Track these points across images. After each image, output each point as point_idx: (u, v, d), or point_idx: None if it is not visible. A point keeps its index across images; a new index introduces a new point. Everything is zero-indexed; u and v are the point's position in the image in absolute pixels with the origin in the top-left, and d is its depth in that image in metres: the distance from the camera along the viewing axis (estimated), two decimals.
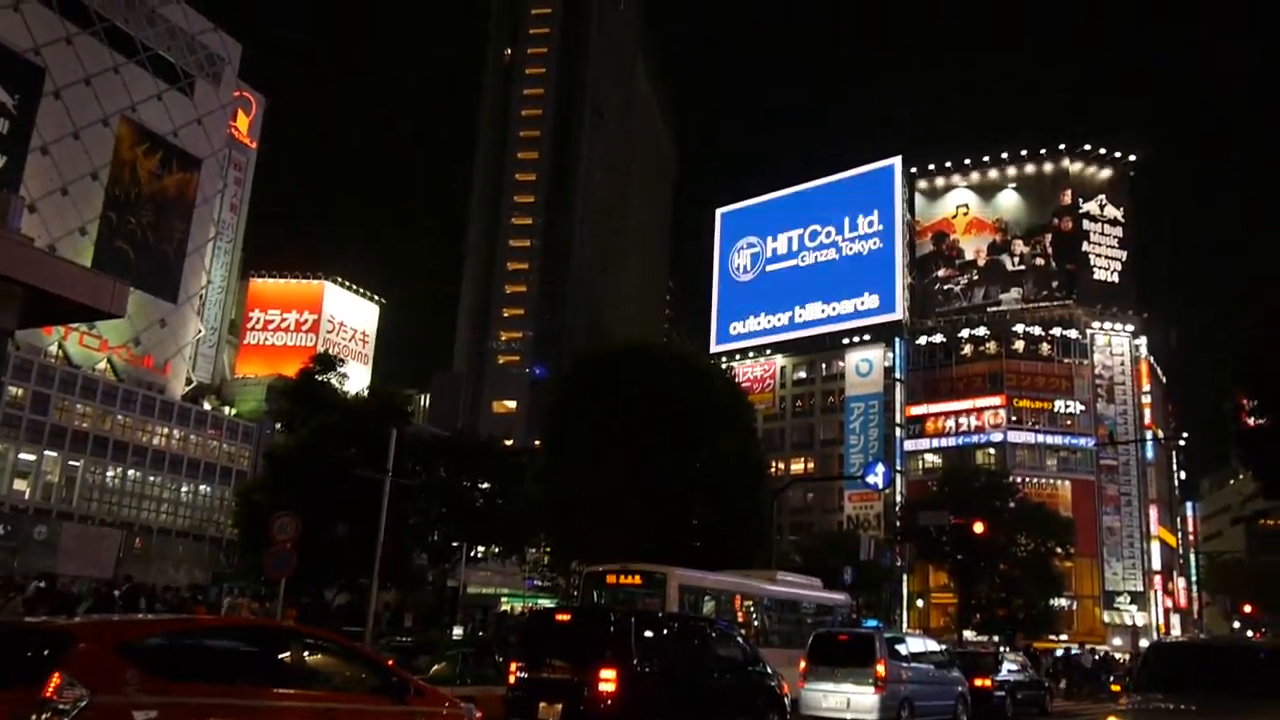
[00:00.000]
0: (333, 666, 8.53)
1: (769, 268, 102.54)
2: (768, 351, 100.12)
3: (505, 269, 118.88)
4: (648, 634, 12.99)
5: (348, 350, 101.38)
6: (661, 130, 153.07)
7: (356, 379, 61.91)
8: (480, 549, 46.80)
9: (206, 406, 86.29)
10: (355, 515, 29.36)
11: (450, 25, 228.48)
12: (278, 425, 40.56)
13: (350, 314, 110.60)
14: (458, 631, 33.95)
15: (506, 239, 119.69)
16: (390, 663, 10.97)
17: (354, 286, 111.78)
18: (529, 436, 68.69)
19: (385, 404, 37.02)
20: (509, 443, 58.00)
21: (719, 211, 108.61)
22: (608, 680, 11.85)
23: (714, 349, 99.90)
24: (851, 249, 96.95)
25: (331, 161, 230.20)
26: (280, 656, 7.98)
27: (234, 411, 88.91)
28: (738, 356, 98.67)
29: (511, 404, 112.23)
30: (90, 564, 36.97)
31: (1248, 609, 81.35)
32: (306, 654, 8.28)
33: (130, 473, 76.34)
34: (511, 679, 12.89)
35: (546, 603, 48.85)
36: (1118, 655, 57.47)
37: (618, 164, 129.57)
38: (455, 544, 42.31)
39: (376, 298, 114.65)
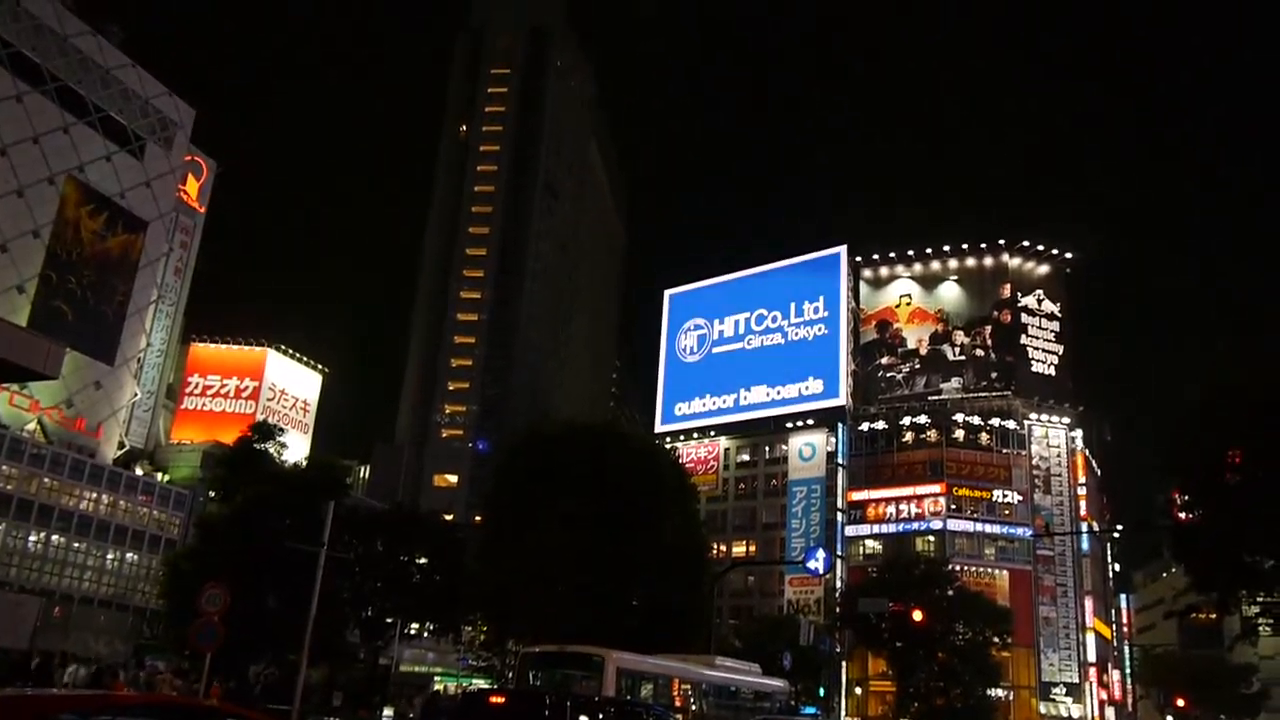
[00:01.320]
0: None
1: (715, 350, 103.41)
2: (712, 433, 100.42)
3: (452, 341, 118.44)
4: (583, 718, 12.73)
5: (288, 419, 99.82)
6: (612, 210, 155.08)
7: (296, 448, 60.87)
8: (415, 626, 45.80)
9: (139, 472, 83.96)
10: (287, 588, 28.65)
11: (409, 94, 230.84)
12: (211, 493, 39.62)
13: (292, 382, 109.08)
14: (388, 712, 33.05)
15: (454, 312, 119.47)
16: None
17: (297, 354, 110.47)
18: (470, 511, 67.90)
19: (324, 475, 36.42)
20: (449, 517, 57.24)
21: (667, 293, 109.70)
22: None
23: (659, 429, 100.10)
24: (797, 334, 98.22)
25: (281, 228, 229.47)
26: None
27: (167, 478, 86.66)
28: (682, 437, 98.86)
29: (453, 478, 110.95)
30: (6, 632, 35.53)
31: (1180, 703, 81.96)
32: None
33: (54, 538, 73.67)
34: None
35: (481, 683, 47.73)
36: None
37: (568, 242, 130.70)
38: (390, 620, 41.35)
39: (320, 366, 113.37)
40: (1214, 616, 47.96)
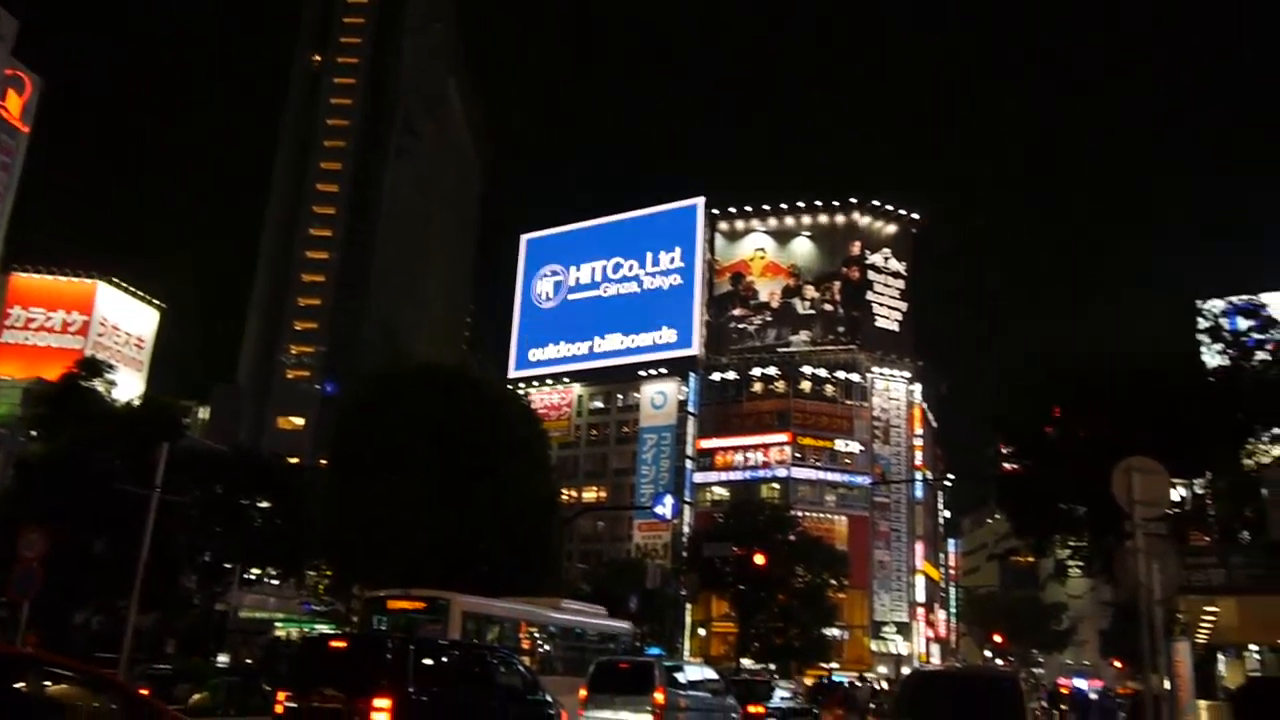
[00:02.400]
0: (75, 698, 7.86)
1: (571, 296, 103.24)
2: (566, 380, 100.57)
3: (300, 280, 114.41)
4: (426, 661, 12.65)
5: (120, 356, 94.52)
6: (471, 154, 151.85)
7: (129, 387, 57.79)
8: (256, 571, 44.57)
9: None
10: (117, 532, 27.38)
11: (262, 12, 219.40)
12: (32, 432, 37.36)
13: (125, 317, 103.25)
14: (223, 659, 32.13)
15: (303, 250, 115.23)
16: (144, 692, 10.23)
17: (131, 288, 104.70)
18: (315, 455, 66.12)
19: (157, 415, 34.83)
20: (294, 461, 55.67)
21: (524, 238, 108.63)
22: (381, 709, 11.45)
23: (512, 374, 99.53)
24: (653, 283, 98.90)
25: (117, 152, 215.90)
26: (15, 687, 7.29)
27: None
28: (535, 383, 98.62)
29: (299, 420, 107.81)
30: None
31: (998, 639, 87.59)
32: (46, 684, 7.60)
33: None
34: (278, 709, 12.25)
35: (325, 629, 46.98)
36: (883, 683, 60.36)
37: (425, 183, 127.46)
38: (228, 565, 40.10)
39: (157, 302, 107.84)
40: (1031, 560, 51.25)
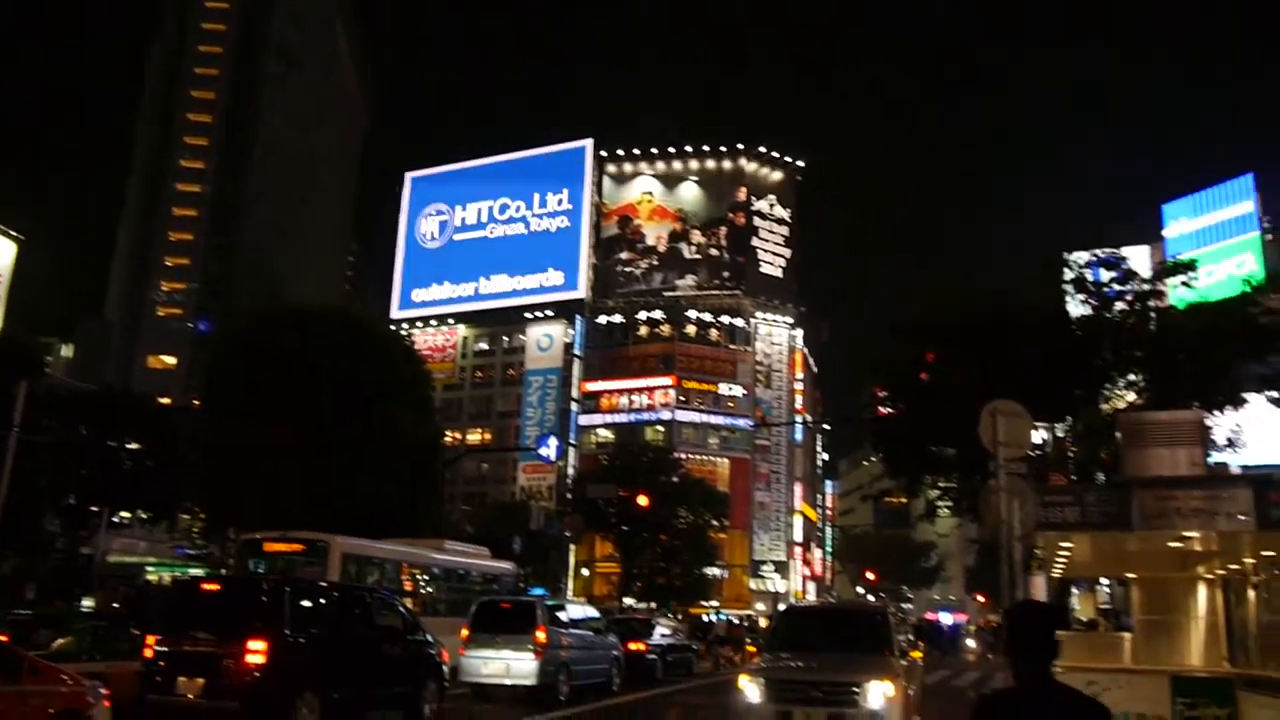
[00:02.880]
0: None
1: (457, 237, 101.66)
2: (450, 321, 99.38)
3: (171, 214, 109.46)
4: (302, 603, 12.46)
5: None
6: (356, 88, 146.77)
7: None
8: (126, 514, 43.12)
9: None
10: None
11: None
12: None
13: None
14: (88, 603, 31.05)
15: (174, 182, 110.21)
16: (1, 639, 9.84)
17: None
18: (188, 395, 63.98)
19: (15, 351, 33.14)
20: (166, 401, 53.80)
21: (408, 176, 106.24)
22: (256, 652, 11.24)
23: (396, 315, 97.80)
24: (540, 225, 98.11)
25: None
26: None
27: None
28: (419, 324, 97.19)
29: (171, 359, 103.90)
30: None
31: (870, 576, 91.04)
32: None
33: None
34: (148, 653, 11.90)
35: (198, 573, 45.86)
36: (760, 619, 62.19)
37: (304, 117, 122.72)
38: (95, 508, 38.67)
39: (13, 233, 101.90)
40: (903, 500, 53.12)
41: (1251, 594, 14.89)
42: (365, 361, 31.55)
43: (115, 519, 41.57)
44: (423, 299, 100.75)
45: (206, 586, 14.16)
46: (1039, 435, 24.29)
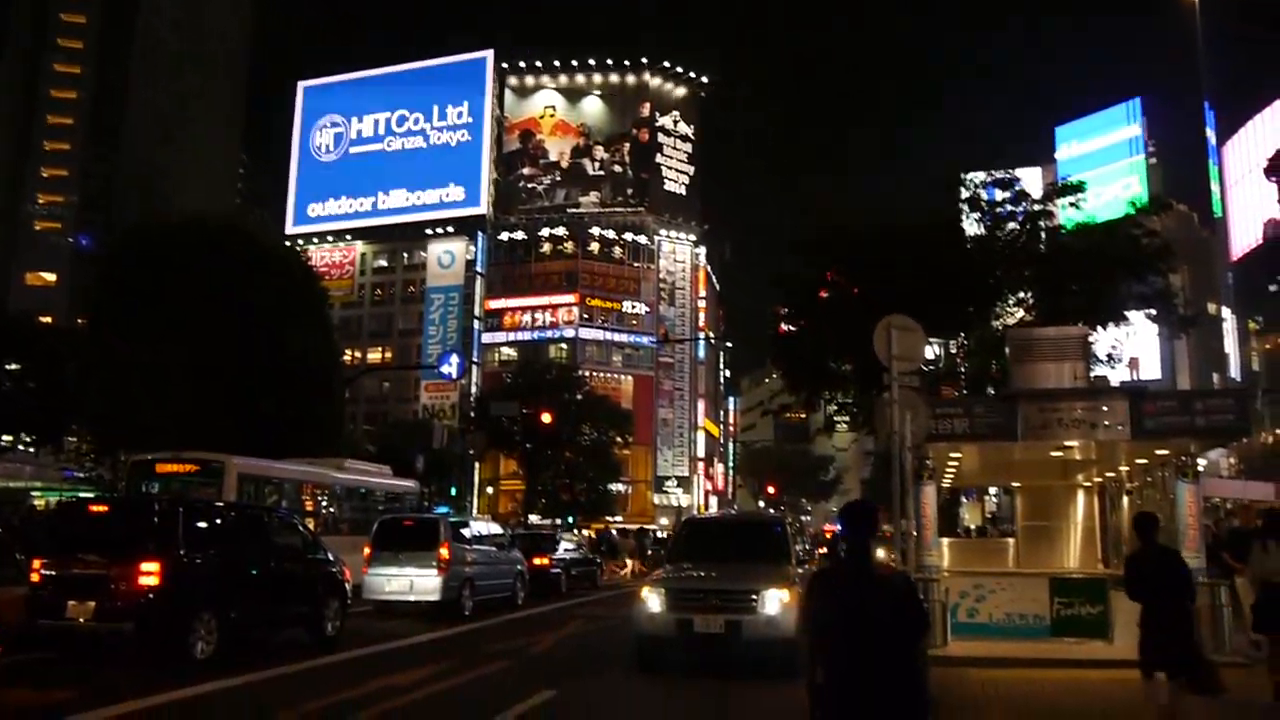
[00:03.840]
0: None
1: (353, 150, 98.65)
2: (348, 237, 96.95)
3: (45, 121, 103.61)
4: (196, 523, 12.19)
5: None
6: None
7: None
8: (8, 438, 41.53)
9: None
10: None
11: None
12: None
13: None
14: None
15: (48, 88, 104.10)
16: None
17: None
18: (72, 314, 61.43)
19: None
20: (47, 320, 51.65)
21: (301, 85, 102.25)
22: (149, 573, 10.98)
23: (290, 230, 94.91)
24: (439, 139, 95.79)
25: None
26: None
27: None
28: (316, 240, 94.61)
29: (50, 276, 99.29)
30: None
31: (771, 489, 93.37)
32: None
33: None
34: (34, 577, 11.54)
35: (89, 496, 44.59)
36: (662, 533, 63.42)
37: (187, 19, 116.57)
38: None
39: None
40: (802, 415, 54.25)
41: (1125, 500, 15.76)
42: (259, 278, 30.62)
43: None
44: (319, 214, 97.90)
45: (95, 508, 13.73)
46: (932, 350, 25.00)
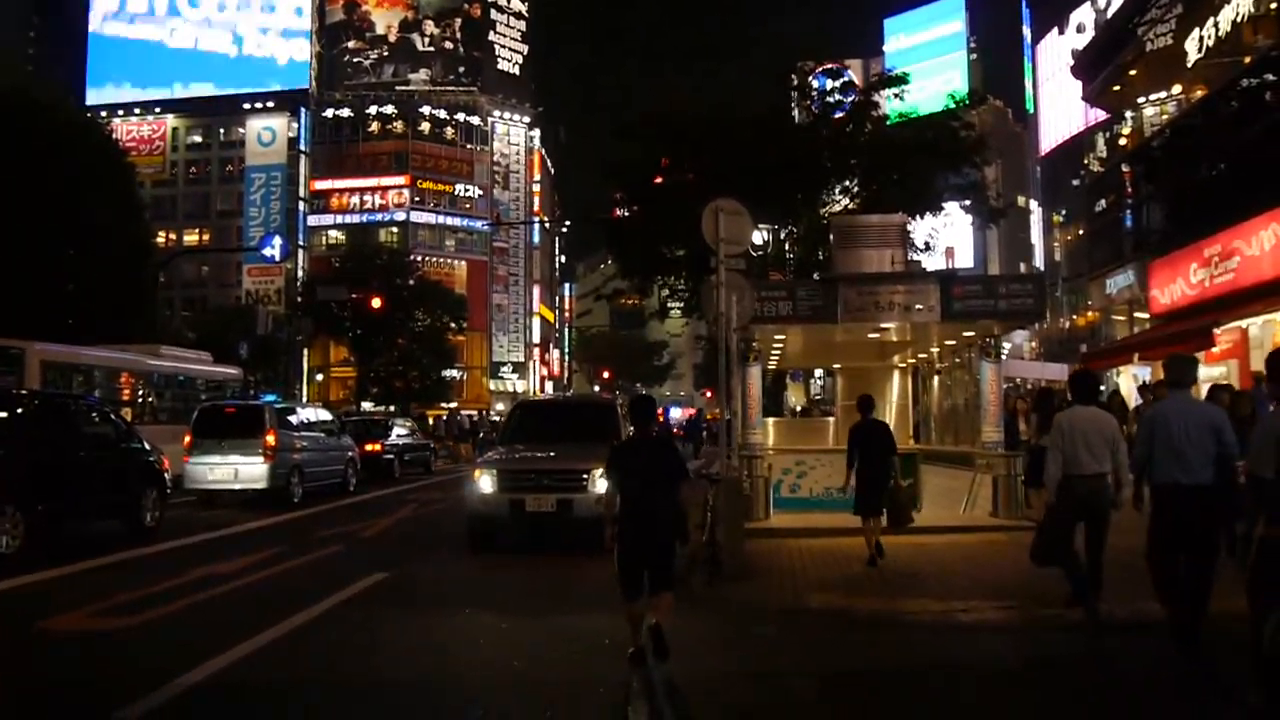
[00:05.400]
0: None
1: (161, 15, 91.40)
2: (157, 110, 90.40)
3: None
4: None
5: None
6: None
7: None
8: None
9: None
10: None
11: None
12: None
13: None
14: None
15: None
16: None
17: None
18: None
19: None
20: None
21: None
22: None
23: (91, 100, 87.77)
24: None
25: None
26: None
27: None
28: (120, 113, 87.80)
29: None
30: None
31: (606, 374, 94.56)
32: None
33: None
34: None
35: None
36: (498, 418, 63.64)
37: None
38: None
39: None
40: (636, 300, 54.90)
41: (935, 380, 16.72)
42: (55, 152, 28.42)
43: None
44: (124, 85, 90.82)
45: None
46: (760, 236, 25.53)
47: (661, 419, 59.90)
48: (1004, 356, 15.14)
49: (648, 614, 6.30)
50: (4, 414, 11.73)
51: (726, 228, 10.07)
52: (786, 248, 28.69)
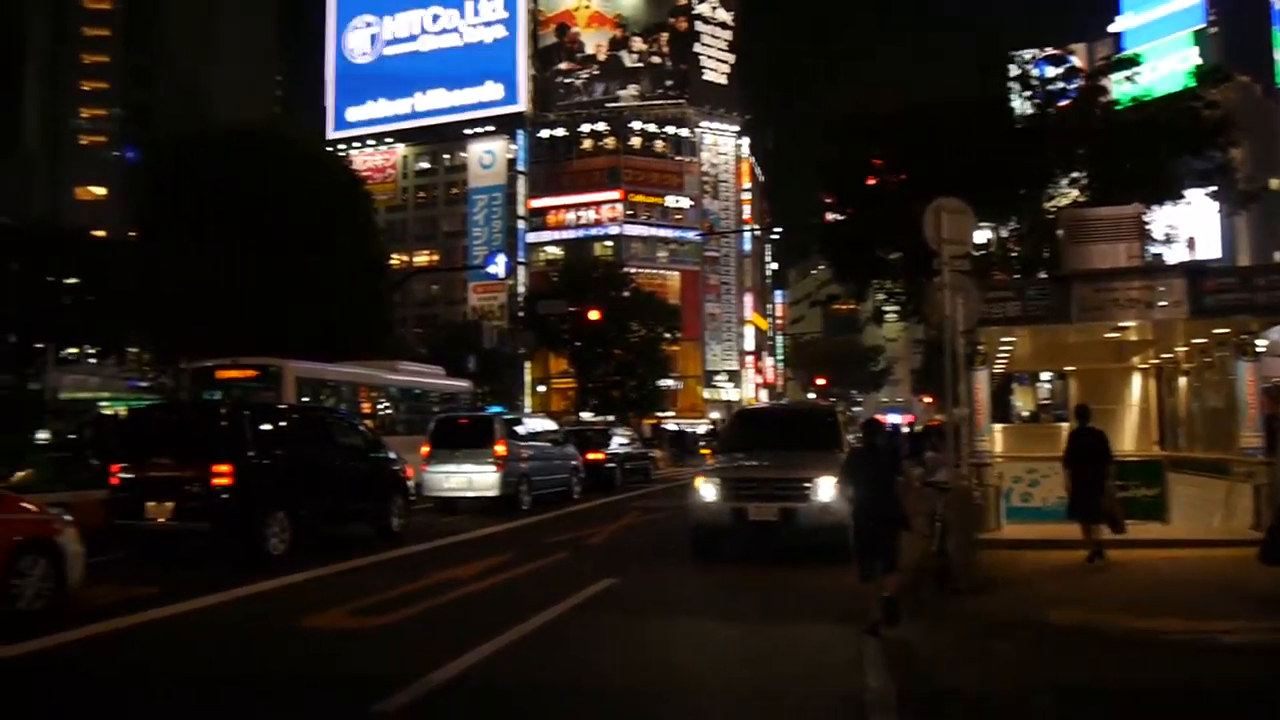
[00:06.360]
0: None
1: (388, 50, 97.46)
2: (388, 140, 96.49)
3: (80, 33, 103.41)
4: (263, 426, 12.57)
5: None
6: None
7: None
8: (74, 351, 42.69)
9: None
10: None
11: None
12: None
13: None
14: (42, 436, 31.06)
15: None
16: None
17: None
18: (123, 227, 62.24)
19: None
20: (100, 234, 52.42)
21: None
22: (221, 475, 11.42)
23: (331, 135, 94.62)
24: (474, 36, 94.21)
25: None
26: None
27: None
28: (357, 145, 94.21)
29: (100, 190, 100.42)
30: None
31: (821, 381, 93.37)
32: None
33: None
34: (114, 480, 12.05)
35: (152, 403, 45.91)
36: (715, 426, 63.98)
37: None
38: (39, 345, 38.20)
39: None
40: (851, 305, 53.96)
41: (1182, 381, 15.57)
42: (301, 184, 30.78)
43: (64, 355, 41.18)
44: (357, 118, 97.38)
45: (166, 414, 14.19)
46: (983, 235, 24.58)
47: (885, 428, 58.78)
48: (1261, 354, 13.94)
49: (880, 590, 7.58)
50: (271, 427, 12.82)
51: (950, 227, 9.79)
52: (1011, 247, 27.47)
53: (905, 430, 46.34)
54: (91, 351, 44.18)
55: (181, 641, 7.99)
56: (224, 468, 11.44)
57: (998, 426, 16.55)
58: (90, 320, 38.35)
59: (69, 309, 37.96)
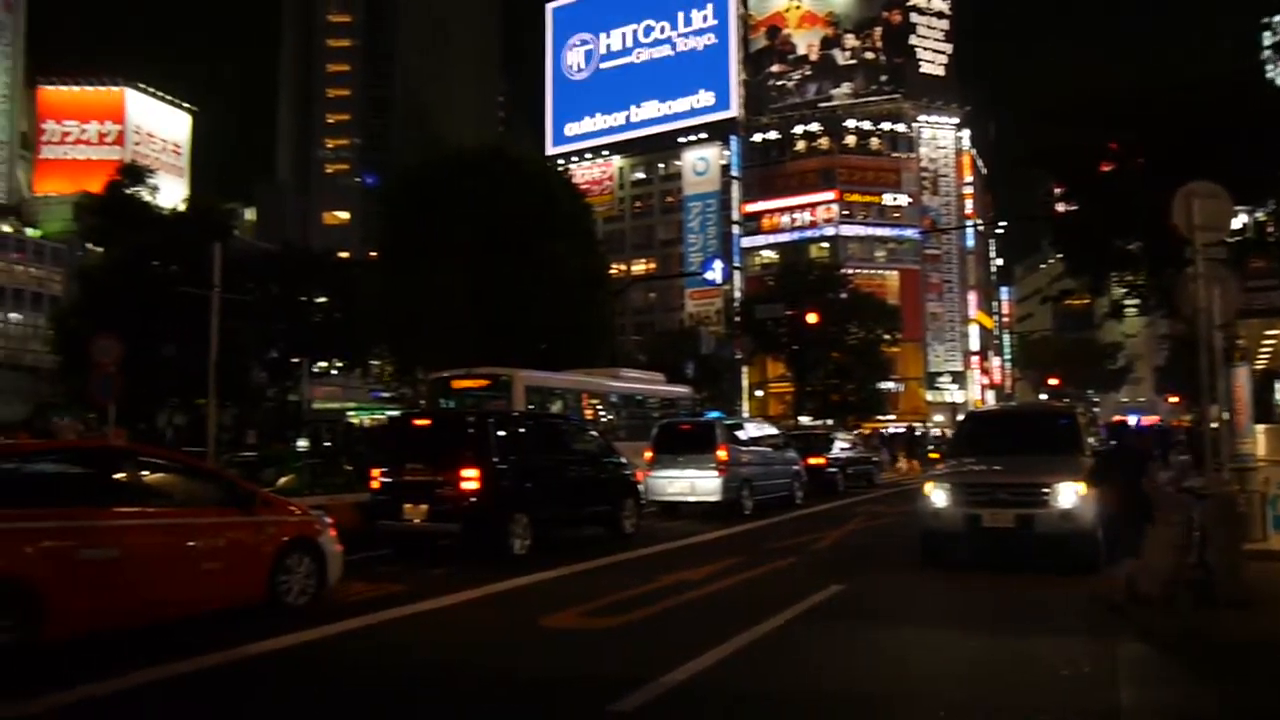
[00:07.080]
0: (173, 484, 8.37)
1: (603, 65, 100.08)
2: (605, 153, 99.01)
3: (325, 72, 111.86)
4: (504, 433, 13.24)
5: (159, 163, 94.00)
6: None
7: (171, 192, 58.04)
8: (323, 365, 46.15)
9: (7, 229, 79.80)
10: (184, 335, 28.27)
11: None
12: (89, 245, 38.12)
13: (159, 123, 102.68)
14: (302, 444, 33.68)
15: (324, 38, 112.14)
16: (234, 476, 10.84)
17: (160, 93, 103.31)
18: (365, 248, 66.82)
19: (206, 216, 35.24)
20: (344, 255, 56.34)
21: (550, 7, 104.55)
22: (470, 479, 12.11)
23: (550, 151, 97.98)
24: (686, 45, 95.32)
25: None
26: (116, 476, 7.76)
27: (39, 233, 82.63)
28: (575, 158, 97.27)
29: (344, 215, 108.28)
30: None
31: (1053, 381, 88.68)
32: (144, 473, 8.08)
33: None
34: (374, 484, 13.03)
35: (395, 413, 48.98)
36: (938, 430, 61.99)
37: None
38: (295, 359, 41.52)
39: (187, 105, 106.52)
40: (1086, 301, 50.91)
41: None
42: (525, 199, 32.06)
43: (315, 369, 44.60)
44: (575, 133, 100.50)
45: (418, 422, 15.08)
46: (1238, 219, 22.67)
47: (1132, 428, 55.21)
48: None
49: (1127, 574, 8.52)
50: (512, 433, 13.47)
51: (1203, 213, 9.07)
52: (1269, 230, 25.22)
53: (1153, 431, 43.37)
54: (339, 365, 47.59)
55: (429, 637, 8.45)
56: (472, 472, 12.16)
57: (1260, 428, 15.22)
58: (338, 336, 41.31)
59: (319, 326, 41.01)
